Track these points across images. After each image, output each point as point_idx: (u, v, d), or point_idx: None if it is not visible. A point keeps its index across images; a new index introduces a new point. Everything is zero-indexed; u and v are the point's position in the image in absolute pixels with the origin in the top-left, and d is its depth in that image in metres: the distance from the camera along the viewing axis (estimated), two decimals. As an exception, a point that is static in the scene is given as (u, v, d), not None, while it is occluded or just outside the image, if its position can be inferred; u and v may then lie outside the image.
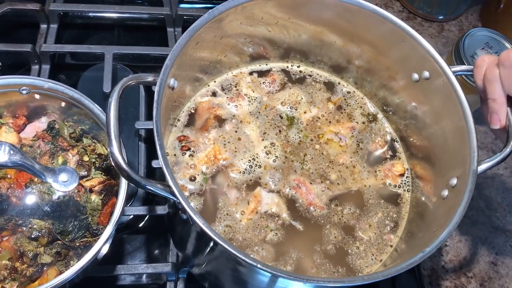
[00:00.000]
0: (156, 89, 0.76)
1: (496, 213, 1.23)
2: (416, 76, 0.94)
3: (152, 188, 0.71)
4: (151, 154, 1.16)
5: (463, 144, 0.84)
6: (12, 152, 0.75)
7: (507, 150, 0.81)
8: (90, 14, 1.37)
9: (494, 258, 1.17)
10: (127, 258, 1.09)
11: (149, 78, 0.78)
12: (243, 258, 0.67)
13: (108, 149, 0.70)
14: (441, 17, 1.50)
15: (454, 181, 0.84)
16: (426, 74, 0.91)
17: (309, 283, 0.70)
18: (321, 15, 0.96)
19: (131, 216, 1.10)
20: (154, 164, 1.08)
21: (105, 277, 1.03)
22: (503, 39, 1.21)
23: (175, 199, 0.71)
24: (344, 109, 1.07)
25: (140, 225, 1.13)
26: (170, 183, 0.69)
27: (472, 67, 0.87)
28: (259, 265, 0.67)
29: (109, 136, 0.69)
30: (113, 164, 0.69)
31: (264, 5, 0.91)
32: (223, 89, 1.04)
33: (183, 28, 1.33)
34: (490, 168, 0.81)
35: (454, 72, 0.87)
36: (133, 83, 0.76)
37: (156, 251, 1.11)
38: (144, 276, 1.07)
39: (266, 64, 1.09)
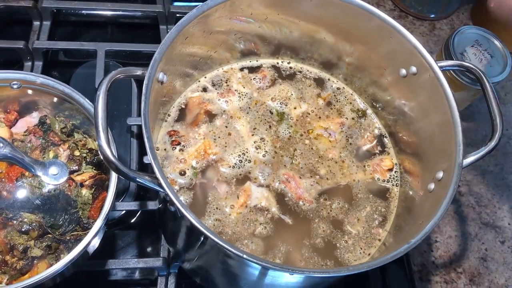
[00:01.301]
0: (144, 82, 0.77)
1: (486, 210, 1.24)
2: (403, 71, 0.95)
3: (140, 180, 0.72)
4: (143, 150, 1.17)
5: (449, 138, 0.85)
6: (1, 145, 0.76)
7: (492, 144, 0.82)
8: (83, 11, 1.37)
9: (484, 253, 1.18)
10: (119, 253, 1.09)
11: (138, 71, 0.79)
12: (230, 248, 0.68)
13: (96, 142, 0.70)
14: (432, 16, 1.52)
15: (440, 174, 0.85)
16: (414, 69, 0.92)
17: (296, 274, 0.71)
18: (310, 11, 0.97)
19: (123, 212, 1.11)
20: (146, 159, 1.09)
21: (97, 272, 1.04)
22: (493, 37, 1.23)
23: (162, 191, 0.71)
24: (334, 105, 1.08)
25: (132, 220, 1.13)
26: (158, 174, 0.70)
27: (458, 62, 0.88)
28: (245, 256, 0.68)
29: (97, 129, 0.70)
30: (101, 156, 0.70)
31: (252, 0, 0.92)
32: (213, 85, 1.05)
33: (175, 26, 1.33)
34: (476, 161, 0.82)
35: (440, 67, 0.88)
36: (122, 77, 0.76)
37: (148, 247, 1.11)
38: (136, 272, 1.08)
39: (257, 60, 1.10)
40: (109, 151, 0.69)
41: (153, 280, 1.06)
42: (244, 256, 0.68)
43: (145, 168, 1.15)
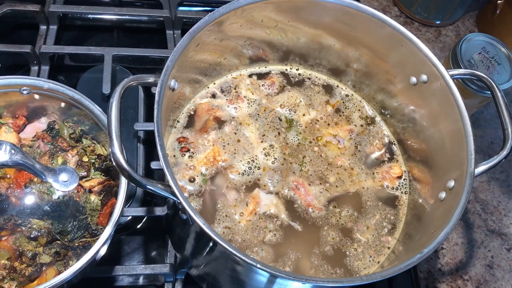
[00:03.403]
0: (157, 90, 0.77)
1: (492, 217, 1.24)
2: (414, 79, 0.95)
3: (152, 188, 0.72)
4: (150, 155, 1.17)
5: (460, 146, 0.85)
6: (13, 151, 0.76)
7: (504, 153, 0.82)
8: (90, 16, 1.37)
9: (490, 261, 1.18)
10: (125, 259, 1.09)
11: (150, 79, 0.78)
12: (244, 258, 0.68)
13: (110, 149, 0.70)
14: (438, 22, 1.52)
15: (451, 183, 0.85)
16: (424, 77, 0.92)
17: (308, 283, 0.70)
18: (321, 19, 0.97)
19: (129, 217, 1.10)
20: (153, 165, 1.08)
21: (103, 278, 1.04)
22: (499, 44, 1.23)
23: (175, 199, 0.71)
24: (343, 112, 1.07)
25: (138, 226, 1.13)
26: (171, 183, 0.70)
27: (469, 70, 0.88)
28: (258, 265, 0.68)
29: (111, 136, 0.70)
30: (114, 164, 0.70)
31: (264, 8, 0.92)
32: (222, 91, 1.05)
33: (182, 31, 1.33)
34: (487, 171, 0.82)
35: (451, 76, 0.88)
36: (134, 84, 0.76)
37: (154, 253, 1.11)
38: (141, 278, 1.07)
39: (266, 67, 1.10)
40: (123, 159, 0.69)
41: (159, 286, 1.06)
42: (258, 265, 0.67)
43: (151, 174, 1.14)
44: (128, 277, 1.06)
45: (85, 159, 0.95)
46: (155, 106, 0.75)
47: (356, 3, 0.92)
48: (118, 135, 0.70)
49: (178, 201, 0.71)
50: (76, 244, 0.88)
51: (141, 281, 1.07)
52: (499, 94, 0.85)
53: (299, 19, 0.98)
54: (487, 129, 1.37)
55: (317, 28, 1.00)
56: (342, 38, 1.01)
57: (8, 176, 0.89)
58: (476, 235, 1.21)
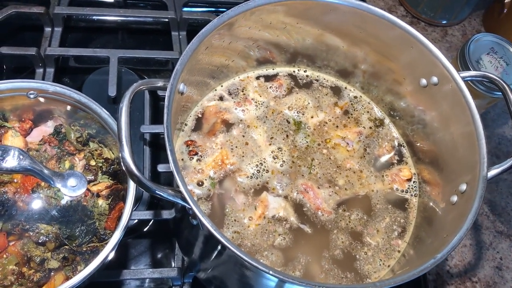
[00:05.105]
0: (166, 94, 0.76)
1: (500, 218, 1.24)
2: (424, 81, 0.94)
3: (162, 194, 0.71)
4: (156, 158, 1.16)
5: (472, 149, 0.84)
6: (21, 157, 0.75)
7: (517, 156, 0.81)
8: (94, 17, 1.36)
9: (499, 263, 1.18)
10: (131, 262, 1.08)
11: (159, 83, 0.77)
12: (256, 265, 0.67)
13: (120, 154, 0.69)
14: (444, 22, 1.51)
15: (463, 186, 0.84)
16: (435, 79, 0.91)
17: (320, 289, 0.70)
18: (330, 21, 0.96)
19: (136, 221, 1.10)
20: (160, 168, 1.08)
21: (109, 282, 1.03)
22: (508, 44, 1.22)
23: (186, 205, 0.70)
24: (351, 114, 1.07)
25: (145, 229, 1.12)
26: (182, 189, 0.69)
27: (481, 72, 0.87)
28: (271, 272, 0.67)
29: (121, 142, 0.69)
30: (124, 169, 0.69)
31: (273, 10, 0.91)
32: (230, 94, 1.04)
33: (187, 32, 1.32)
34: (500, 174, 0.81)
35: (463, 78, 0.87)
36: (144, 88, 0.75)
37: (161, 256, 1.10)
38: (148, 281, 1.06)
39: (273, 69, 1.09)
40: (133, 164, 0.68)
41: (167, 290, 1.05)
42: (271, 272, 0.67)
43: (158, 176, 1.14)
44: (135, 281, 1.05)
45: (93, 163, 0.94)
46: (165, 111, 0.74)
47: (366, 4, 0.91)
48: (128, 141, 0.69)
49: (189, 207, 0.70)
50: (84, 249, 0.87)
51: (147, 284, 1.07)
52: (511, 96, 0.84)
53: (308, 22, 0.97)
54: (494, 130, 1.36)
55: (325, 30, 0.99)
56: (351, 40, 1.00)
57: (15, 180, 0.89)
58: (484, 236, 1.20)
